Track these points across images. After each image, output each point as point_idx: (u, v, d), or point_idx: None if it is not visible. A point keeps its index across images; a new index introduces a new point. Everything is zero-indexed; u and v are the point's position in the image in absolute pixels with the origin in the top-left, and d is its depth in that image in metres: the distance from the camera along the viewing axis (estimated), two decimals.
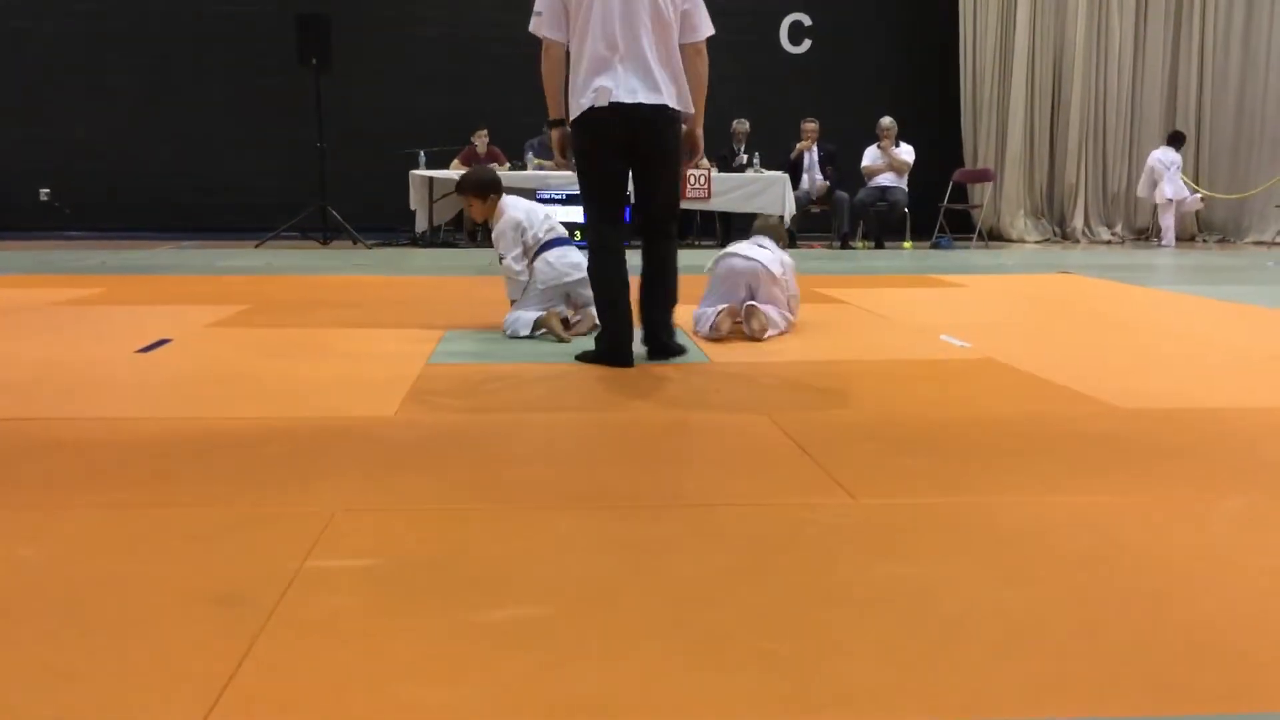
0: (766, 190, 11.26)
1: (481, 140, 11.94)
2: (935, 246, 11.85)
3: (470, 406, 3.48)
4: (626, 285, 4.18)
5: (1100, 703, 1.51)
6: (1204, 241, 13.12)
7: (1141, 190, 12.71)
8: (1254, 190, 12.72)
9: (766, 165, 11.49)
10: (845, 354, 4.46)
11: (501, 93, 12.90)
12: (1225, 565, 2.06)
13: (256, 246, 10.83)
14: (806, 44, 13.54)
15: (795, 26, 13.64)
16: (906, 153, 11.68)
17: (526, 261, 4.99)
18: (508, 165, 11.78)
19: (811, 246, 11.61)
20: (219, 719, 1.44)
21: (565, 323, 4.95)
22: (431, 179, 11.27)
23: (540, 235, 5.04)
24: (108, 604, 1.82)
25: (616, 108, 3.91)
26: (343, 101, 11.82)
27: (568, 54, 4.07)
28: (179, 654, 1.63)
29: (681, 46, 4.05)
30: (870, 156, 11.78)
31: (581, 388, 3.82)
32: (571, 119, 4.04)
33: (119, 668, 1.59)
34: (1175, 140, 12.52)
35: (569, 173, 11.51)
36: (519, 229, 4.99)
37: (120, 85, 12.83)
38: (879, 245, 11.71)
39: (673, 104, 4.01)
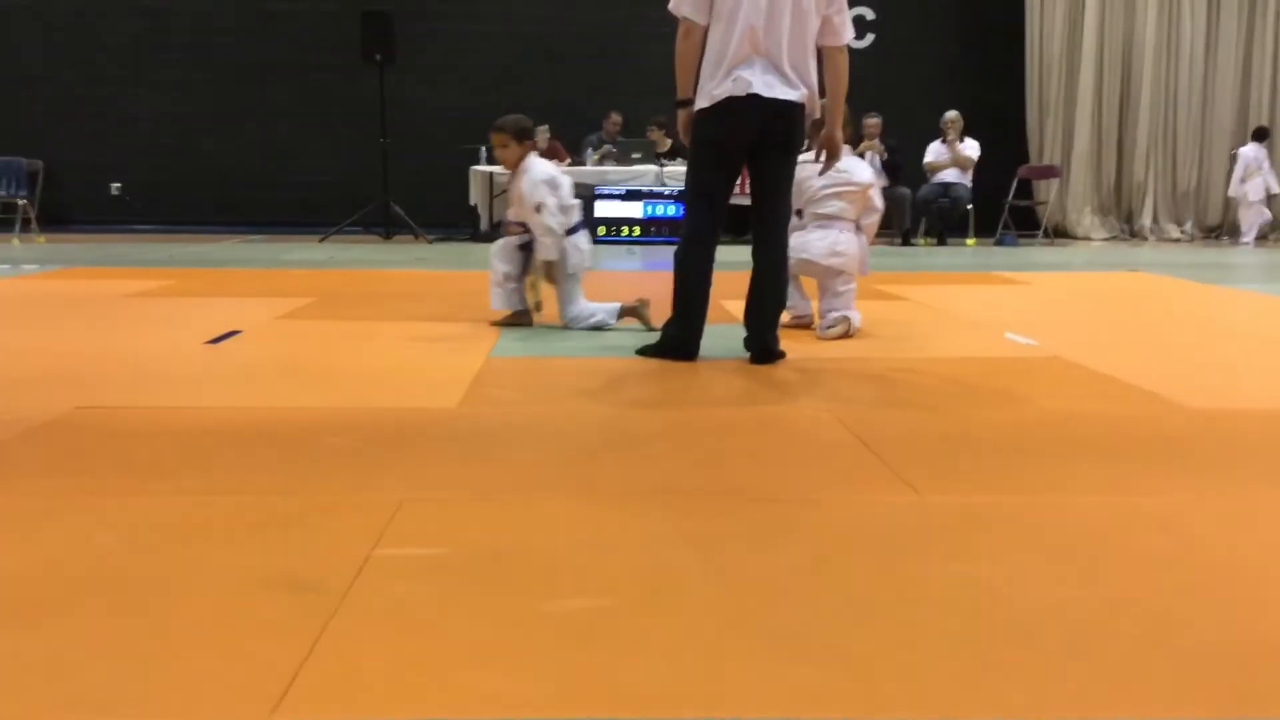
0: None
1: (542, 136, 11.96)
2: (999, 243, 11.68)
3: (532, 399, 3.50)
4: (709, 281, 4.14)
5: (1171, 706, 1.48)
6: (1277, 240, 12.80)
7: (1232, 190, 12.43)
8: None
9: None
10: (909, 351, 4.41)
11: (561, 89, 12.95)
12: None
13: (320, 241, 10.98)
14: (870, 38, 13.41)
15: (858, 21, 13.50)
16: (971, 148, 11.52)
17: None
18: (569, 160, 11.84)
19: (873, 243, 11.50)
20: (292, 703, 1.46)
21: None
22: (491, 174, 11.34)
23: (568, 203, 5.00)
24: (182, 589, 1.86)
25: (754, 99, 3.89)
26: (405, 98, 11.93)
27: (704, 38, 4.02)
28: (252, 639, 1.66)
29: (825, 48, 4.05)
30: (934, 152, 11.63)
31: (643, 381, 3.82)
32: (702, 106, 4.01)
33: (194, 652, 1.62)
34: (1260, 135, 12.26)
35: (628, 168, 11.62)
36: (553, 184, 4.95)
37: (188, 82, 13.06)
38: (942, 242, 11.57)
39: (804, 101, 4.00)
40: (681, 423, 3.20)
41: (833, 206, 4.85)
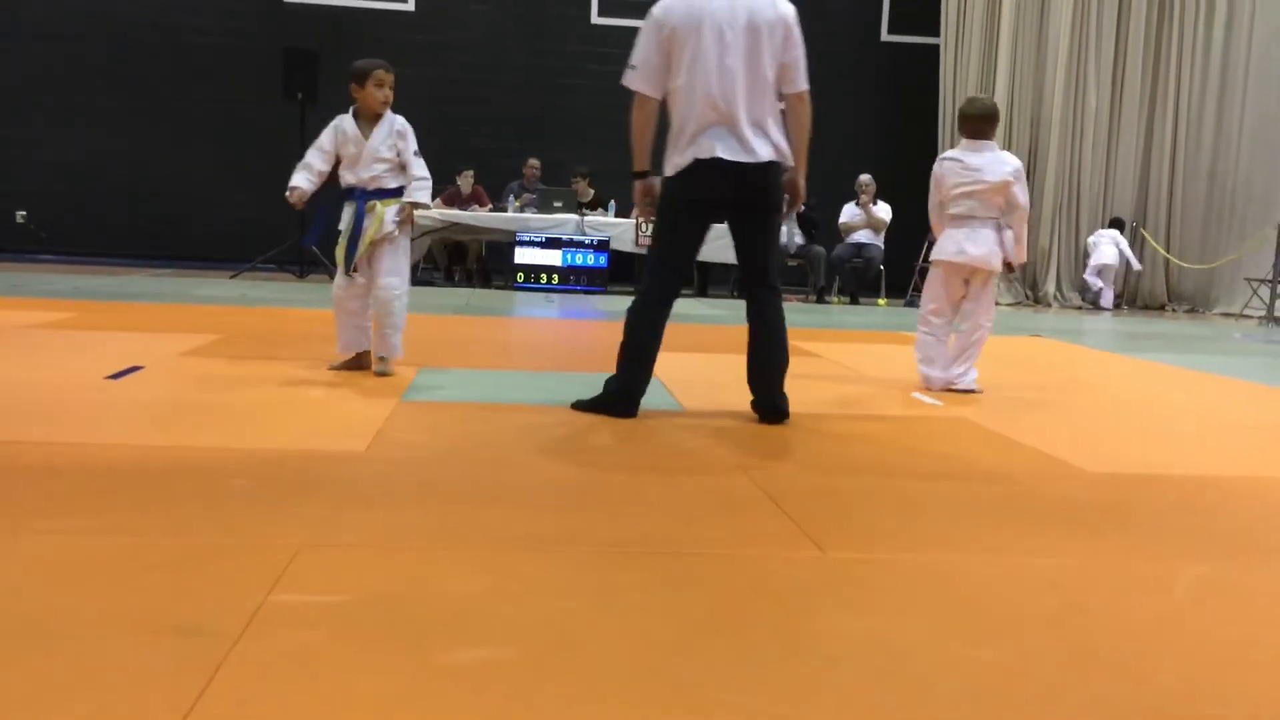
0: None
1: (466, 181, 11.99)
2: (910, 304, 11.95)
3: (442, 444, 3.46)
4: (659, 341, 4.13)
5: None
6: (1173, 311, 13.31)
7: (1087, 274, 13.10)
8: (1219, 261, 12.93)
9: None
10: (818, 408, 4.48)
11: (486, 135, 13.00)
12: (1186, 632, 2.07)
13: (232, 277, 10.79)
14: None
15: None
16: (884, 211, 11.82)
17: None
18: (490, 206, 11.85)
19: (788, 300, 11.68)
20: None
21: None
22: None
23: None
24: (67, 632, 1.80)
25: (718, 163, 3.92)
26: None
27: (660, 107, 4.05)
28: (137, 685, 1.60)
29: (785, 95, 4.08)
30: (848, 213, 11.91)
31: (554, 431, 3.81)
32: (671, 173, 4.01)
33: (75, 697, 1.56)
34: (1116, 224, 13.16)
35: (549, 216, 11.67)
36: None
37: (101, 109, 12.82)
38: (854, 301, 11.81)
39: (774, 158, 4.02)
40: (589, 473, 3.20)
41: (963, 206, 4.95)
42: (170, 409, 3.88)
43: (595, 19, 13.36)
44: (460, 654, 1.78)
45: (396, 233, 4.74)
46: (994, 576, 2.34)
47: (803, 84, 4.08)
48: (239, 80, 12.81)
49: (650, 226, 4.23)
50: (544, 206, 11.51)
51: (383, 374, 4.73)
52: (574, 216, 11.33)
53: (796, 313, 9.97)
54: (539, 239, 11.14)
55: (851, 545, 2.54)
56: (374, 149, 4.67)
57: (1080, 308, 13.18)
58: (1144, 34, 13.41)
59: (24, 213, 12.96)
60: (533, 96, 13.26)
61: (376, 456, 3.24)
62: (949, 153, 5.17)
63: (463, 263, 12.12)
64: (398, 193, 4.73)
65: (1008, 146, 13.27)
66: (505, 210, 11.63)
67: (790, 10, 4.02)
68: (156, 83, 12.88)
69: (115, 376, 4.41)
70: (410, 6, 13.27)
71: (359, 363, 4.84)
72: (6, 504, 2.55)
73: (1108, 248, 12.85)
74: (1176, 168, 13.57)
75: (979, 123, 5.07)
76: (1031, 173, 13.55)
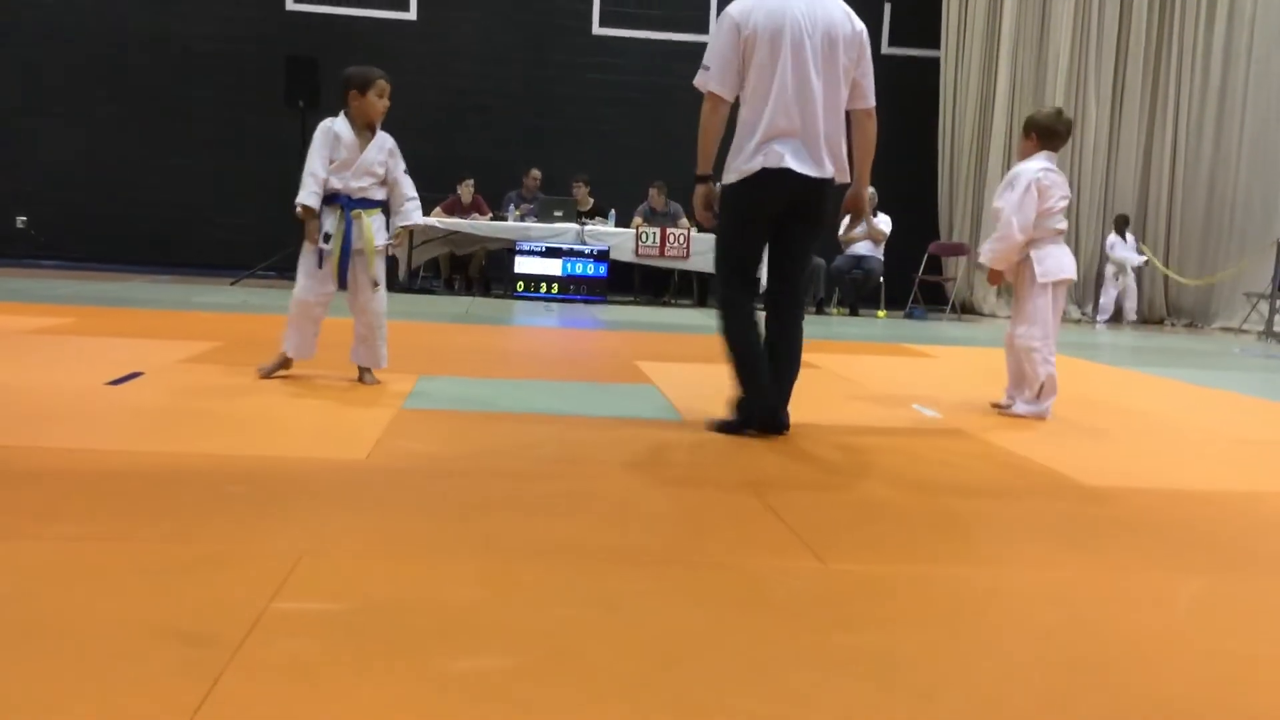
0: None
1: (466, 190, 12.01)
2: (909, 316, 11.98)
3: (443, 453, 3.47)
4: (759, 346, 4.06)
5: None
6: (1172, 325, 13.33)
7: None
8: (1219, 275, 12.95)
9: None
10: (817, 419, 4.48)
11: (487, 143, 13.02)
12: (1187, 646, 2.08)
13: (233, 284, 10.80)
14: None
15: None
16: (884, 223, 11.84)
17: None
18: (490, 215, 11.86)
19: None
20: None
21: None
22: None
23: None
24: (68, 638, 1.80)
25: (787, 173, 3.91)
26: None
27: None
28: (139, 693, 1.61)
29: (852, 111, 4.10)
30: (848, 225, 11.93)
31: (554, 439, 3.81)
32: (734, 179, 4.00)
33: (76, 704, 1.56)
34: (1119, 224, 13.18)
35: (549, 225, 11.67)
36: None
37: (102, 115, 12.83)
38: (853, 312, 11.82)
39: (834, 174, 4.03)
40: (588, 483, 3.20)
41: (1061, 221, 4.80)
42: (171, 415, 3.88)
43: (596, 29, 13.40)
44: (461, 662, 1.78)
45: (388, 250, 4.81)
46: (994, 589, 2.34)
47: (872, 100, 4.11)
48: (240, 88, 12.82)
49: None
50: (544, 216, 11.52)
51: (374, 383, 4.73)
52: (574, 226, 11.35)
53: None
54: (539, 248, 11.15)
55: (851, 557, 2.54)
56: (368, 161, 4.67)
57: (1078, 321, 13.20)
58: (1144, 47, 13.46)
59: (24, 218, 12.96)
60: (534, 106, 13.29)
61: (378, 464, 3.25)
62: (1041, 164, 4.79)
63: (464, 271, 12.14)
64: (379, 205, 4.75)
65: (1008, 161, 13.34)
66: (505, 219, 11.65)
67: (863, 27, 4.05)
68: (158, 89, 12.90)
69: (116, 382, 4.41)
70: (412, 15, 13.30)
71: (288, 366, 4.80)
72: (6, 509, 2.55)
73: (1124, 247, 12.93)
74: (1176, 182, 13.61)
75: (1065, 138, 4.91)
76: None
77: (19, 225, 12.96)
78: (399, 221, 4.74)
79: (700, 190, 4.09)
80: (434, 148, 13.02)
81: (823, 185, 4.00)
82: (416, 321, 7.92)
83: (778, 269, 4.17)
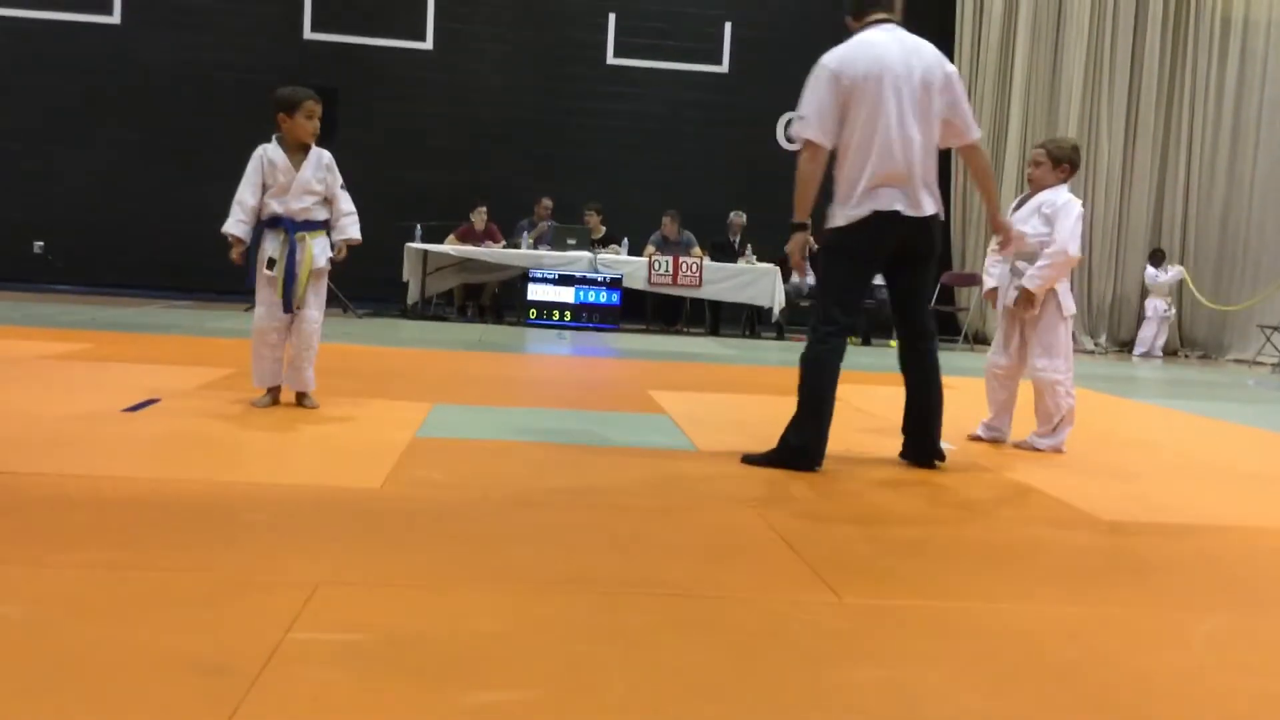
0: (757, 281, 11.44)
1: (480, 217, 12.08)
2: None
3: (457, 482, 3.47)
4: (835, 388, 4.12)
5: None
6: (1185, 356, 13.29)
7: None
8: (1236, 305, 12.93)
9: (760, 257, 11.72)
10: (833, 450, 4.46)
11: (501, 171, 13.10)
12: (1205, 684, 2.06)
13: (246, 310, 10.83)
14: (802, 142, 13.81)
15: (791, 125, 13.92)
16: None
17: None
18: (503, 243, 11.92)
19: (799, 340, 11.70)
20: None
21: None
22: (426, 252, 11.37)
23: None
24: (88, 666, 1.80)
25: (895, 215, 4.00)
26: (344, 172, 11.94)
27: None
28: None
29: (961, 148, 4.28)
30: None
31: (568, 469, 3.81)
32: (843, 223, 4.06)
33: None
34: (1155, 258, 13.09)
35: (562, 253, 11.71)
36: None
37: (120, 142, 12.95)
38: (866, 342, 11.81)
39: (937, 211, 4.14)
40: (604, 514, 3.20)
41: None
42: (187, 443, 3.90)
43: (610, 59, 13.50)
44: (480, 695, 1.78)
45: (327, 268, 4.79)
46: (1011, 625, 2.33)
47: (976, 133, 4.28)
48: (258, 115, 12.89)
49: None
50: (558, 243, 11.57)
51: (314, 407, 4.72)
52: (587, 254, 11.40)
53: None
54: (552, 276, 11.19)
55: (868, 591, 2.53)
56: (305, 181, 4.68)
57: (1091, 352, 13.18)
58: (1157, 80, 13.51)
59: (41, 243, 13.07)
60: (548, 134, 13.37)
61: (392, 493, 3.25)
62: (1071, 195, 4.92)
63: (477, 298, 12.18)
64: (324, 225, 4.77)
65: (1018, 193, 13.38)
66: (518, 246, 11.71)
67: (954, 69, 4.19)
68: (175, 117, 13.01)
69: (132, 409, 4.43)
70: (429, 45, 13.43)
71: (276, 397, 4.80)
72: (24, 536, 2.56)
73: (1164, 277, 13.05)
74: (1189, 216, 13.64)
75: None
76: None
77: (37, 251, 13.06)
78: (337, 237, 4.77)
79: (799, 238, 4.15)
80: (449, 175, 13.12)
81: (929, 222, 4.11)
82: (429, 349, 7.94)
83: (904, 311, 4.27)
